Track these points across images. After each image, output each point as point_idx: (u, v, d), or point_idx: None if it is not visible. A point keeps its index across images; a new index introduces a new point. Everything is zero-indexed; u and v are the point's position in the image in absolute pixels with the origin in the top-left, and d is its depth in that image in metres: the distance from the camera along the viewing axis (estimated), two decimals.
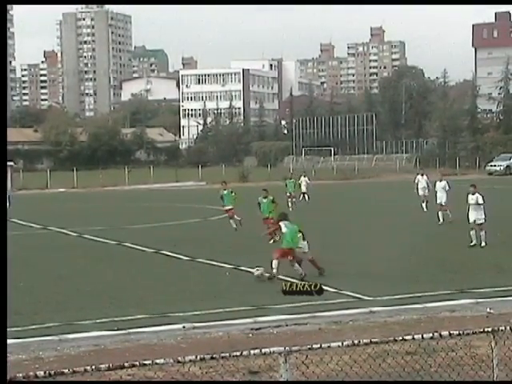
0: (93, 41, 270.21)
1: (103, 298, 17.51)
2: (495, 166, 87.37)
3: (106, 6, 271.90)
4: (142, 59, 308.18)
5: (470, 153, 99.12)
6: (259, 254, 23.06)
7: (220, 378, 9.95)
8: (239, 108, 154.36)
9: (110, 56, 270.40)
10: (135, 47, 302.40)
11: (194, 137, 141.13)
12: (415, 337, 7.76)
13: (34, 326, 14.53)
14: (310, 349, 7.27)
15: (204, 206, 44.15)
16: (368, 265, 21.58)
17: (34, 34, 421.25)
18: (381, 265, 21.56)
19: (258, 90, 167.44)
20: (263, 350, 7.09)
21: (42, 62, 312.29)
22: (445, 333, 7.87)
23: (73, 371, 6.43)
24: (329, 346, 7.39)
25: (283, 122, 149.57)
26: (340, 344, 7.48)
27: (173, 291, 18.24)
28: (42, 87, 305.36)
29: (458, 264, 21.66)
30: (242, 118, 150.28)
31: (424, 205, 37.39)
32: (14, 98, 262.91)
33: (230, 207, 32.03)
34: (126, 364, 6.67)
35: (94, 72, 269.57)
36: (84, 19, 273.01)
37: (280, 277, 19.12)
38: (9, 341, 11.15)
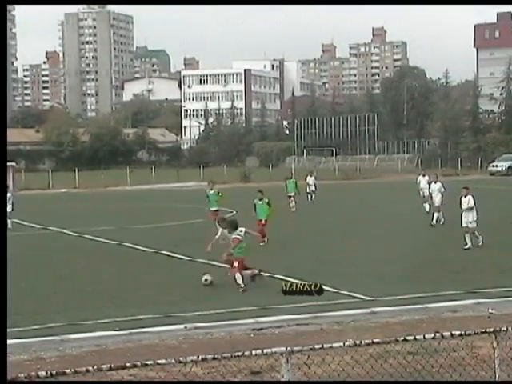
0: (95, 41, 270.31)
1: (105, 299, 17.52)
2: (497, 166, 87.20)
3: (108, 7, 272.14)
4: (143, 59, 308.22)
5: (471, 153, 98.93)
6: (259, 254, 23.09)
7: (222, 378, 9.95)
8: (241, 108, 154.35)
9: (111, 56, 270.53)
10: (137, 47, 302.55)
11: (196, 137, 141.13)
12: (417, 337, 7.75)
13: (35, 327, 14.52)
14: (311, 349, 7.27)
15: (205, 207, 44.06)
16: (369, 265, 21.57)
17: (36, 35, 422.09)
18: (382, 265, 21.54)
19: (259, 90, 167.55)
20: (265, 351, 7.09)
21: (44, 62, 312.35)
22: (446, 333, 7.87)
23: (74, 371, 6.44)
24: (330, 347, 7.39)
25: (285, 123, 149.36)
26: (342, 344, 7.48)
27: (174, 291, 18.24)
28: (44, 87, 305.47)
29: (459, 264, 21.62)
30: (243, 118, 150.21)
31: (426, 205, 37.37)
32: (16, 98, 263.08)
33: (215, 209, 30.48)
34: (127, 364, 6.67)
35: (96, 72, 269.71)
36: (86, 19, 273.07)
37: (280, 277, 19.12)
38: (10, 341, 11.17)
